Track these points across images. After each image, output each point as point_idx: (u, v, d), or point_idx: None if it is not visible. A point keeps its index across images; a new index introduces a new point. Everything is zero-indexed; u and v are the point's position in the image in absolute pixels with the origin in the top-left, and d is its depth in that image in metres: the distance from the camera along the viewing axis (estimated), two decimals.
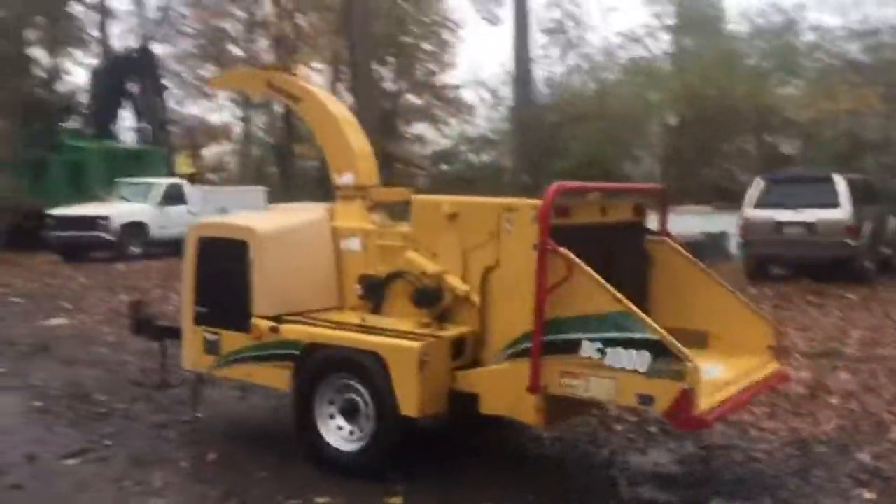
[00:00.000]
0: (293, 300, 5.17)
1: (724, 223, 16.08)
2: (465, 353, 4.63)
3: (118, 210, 19.06)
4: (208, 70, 38.92)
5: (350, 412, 4.75)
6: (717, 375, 4.44)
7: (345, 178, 5.65)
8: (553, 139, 27.76)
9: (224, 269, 5.22)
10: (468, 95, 38.87)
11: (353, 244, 5.36)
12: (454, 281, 4.74)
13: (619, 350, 3.97)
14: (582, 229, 4.55)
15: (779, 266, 14.02)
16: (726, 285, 5.00)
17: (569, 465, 5.11)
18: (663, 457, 5.17)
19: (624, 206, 5.13)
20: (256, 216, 5.93)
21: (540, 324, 4.17)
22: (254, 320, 5.04)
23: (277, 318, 5.02)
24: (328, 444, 4.80)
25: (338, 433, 4.79)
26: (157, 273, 15.11)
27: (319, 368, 4.82)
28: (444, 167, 40.61)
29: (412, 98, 41.26)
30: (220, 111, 40.51)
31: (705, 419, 3.90)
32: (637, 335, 3.93)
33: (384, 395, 4.53)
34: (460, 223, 4.76)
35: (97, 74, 26.62)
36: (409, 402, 4.44)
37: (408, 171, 36.67)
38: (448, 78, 40.41)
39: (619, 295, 4.00)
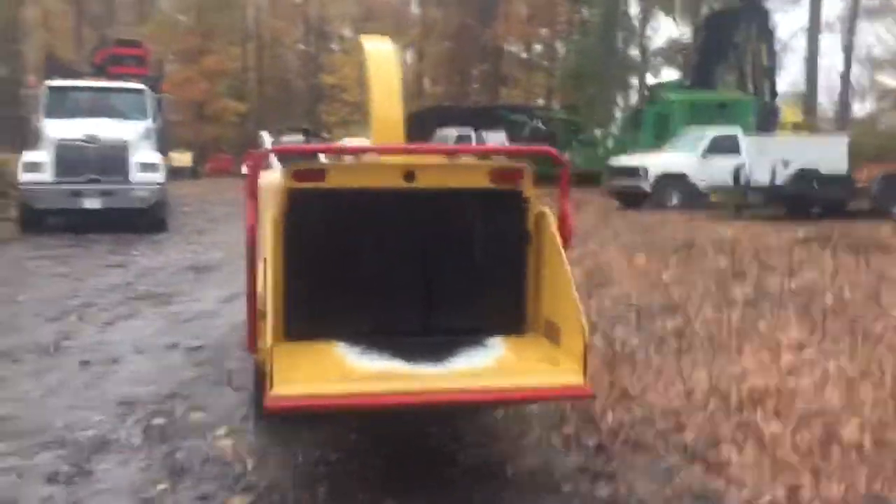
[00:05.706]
0: None
1: None
2: None
3: (656, 161, 19.05)
4: None
5: None
6: (447, 370, 3.36)
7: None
8: None
9: None
10: None
11: None
12: None
13: None
14: (360, 195, 3.77)
15: None
16: (568, 276, 3.48)
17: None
18: (497, 451, 3.81)
19: (468, 172, 3.98)
20: None
21: (251, 284, 3.65)
22: None
23: None
24: None
25: None
26: (639, 227, 13.64)
27: None
28: None
29: None
30: None
31: (268, 405, 3.04)
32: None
33: None
34: None
35: (702, 27, 26.53)
36: None
37: None
38: None
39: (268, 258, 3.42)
